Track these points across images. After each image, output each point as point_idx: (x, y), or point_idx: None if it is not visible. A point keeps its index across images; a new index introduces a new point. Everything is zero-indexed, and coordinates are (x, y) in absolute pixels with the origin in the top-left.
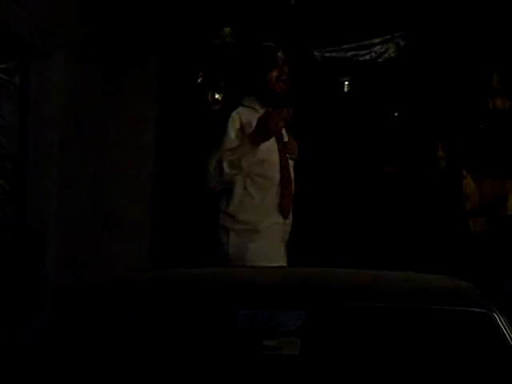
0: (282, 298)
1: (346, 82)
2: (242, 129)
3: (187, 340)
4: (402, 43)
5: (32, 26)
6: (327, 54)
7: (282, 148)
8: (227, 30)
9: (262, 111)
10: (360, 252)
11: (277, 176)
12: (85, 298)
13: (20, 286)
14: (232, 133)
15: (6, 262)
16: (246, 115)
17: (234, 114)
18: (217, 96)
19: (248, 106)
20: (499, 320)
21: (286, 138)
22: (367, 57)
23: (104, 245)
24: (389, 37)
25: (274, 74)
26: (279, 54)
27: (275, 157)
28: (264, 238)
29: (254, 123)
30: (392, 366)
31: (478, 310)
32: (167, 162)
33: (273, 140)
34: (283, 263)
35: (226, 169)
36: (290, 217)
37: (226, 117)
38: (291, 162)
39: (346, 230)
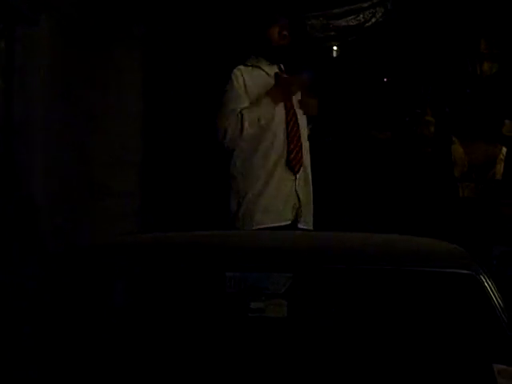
0: (268, 260)
1: (335, 48)
2: (245, 85)
3: (175, 303)
4: (390, 7)
5: None
6: (315, 20)
7: (290, 106)
8: None
9: (268, 69)
10: (348, 216)
11: (281, 131)
12: (78, 262)
13: (8, 256)
14: (239, 89)
15: None
16: (248, 73)
17: (235, 70)
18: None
19: (251, 65)
20: (486, 282)
21: (297, 97)
22: (355, 21)
23: (93, 214)
24: (377, 1)
25: (276, 29)
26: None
27: (280, 112)
28: (270, 195)
29: (259, 81)
30: (378, 328)
31: (465, 271)
32: (155, 130)
33: None
34: (302, 223)
35: (248, 128)
36: (306, 171)
37: (227, 75)
38: (304, 123)
39: (334, 195)
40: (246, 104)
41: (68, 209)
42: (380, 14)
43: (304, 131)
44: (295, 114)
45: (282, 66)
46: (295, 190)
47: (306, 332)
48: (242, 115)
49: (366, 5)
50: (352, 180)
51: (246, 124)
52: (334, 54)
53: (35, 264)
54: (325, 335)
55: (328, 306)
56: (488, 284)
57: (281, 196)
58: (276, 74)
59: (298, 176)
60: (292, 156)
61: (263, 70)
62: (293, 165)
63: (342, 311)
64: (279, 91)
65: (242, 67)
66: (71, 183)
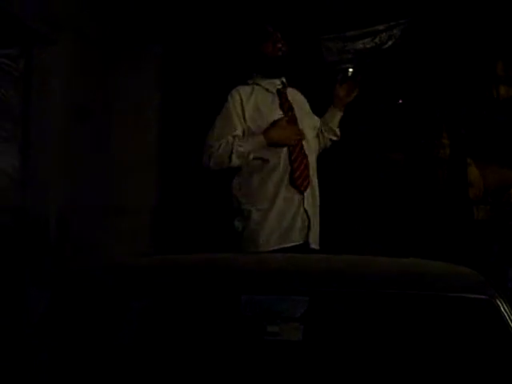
0: (285, 284)
1: (350, 69)
2: (242, 108)
3: (190, 326)
4: (406, 30)
5: (35, 12)
6: (331, 42)
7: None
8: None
9: (268, 85)
10: (361, 239)
11: (282, 149)
12: (88, 283)
13: (23, 273)
14: (233, 115)
15: (9, 249)
16: (247, 92)
17: (233, 92)
18: None
19: (251, 83)
20: (502, 306)
21: (304, 124)
22: (372, 44)
23: (107, 231)
24: (394, 23)
25: (270, 44)
26: (268, 27)
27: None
28: (275, 217)
29: (258, 99)
30: (395, 353)
31: (481, 296)
32: (172, 148)
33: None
34: (306, 240)
35: (235, 159)
36: (314, 189)
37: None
38: (309, 133)
39: (348, 217)
40: (239, 129)
41: (82, 226)
42: (397, 37)
43: (311, 149)
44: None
45: (283, 80)
46: (304, 209)
47: (321, 356)
48: (232, 146)
49: (381, 27)
50: (366, 202)
51: (234, 156)
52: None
53: (48, 282)
54: (341, 360)
55: (344, 330)
56: (504, 308)
57: (287, 216)
58: (278, 90)
59: (305, 195)
60: (296, 175)
61: (263, 87)
62: (298, 184)
63: (357, 335)
64: (276, 134)
65: (240, 88)
66: (86, 201)
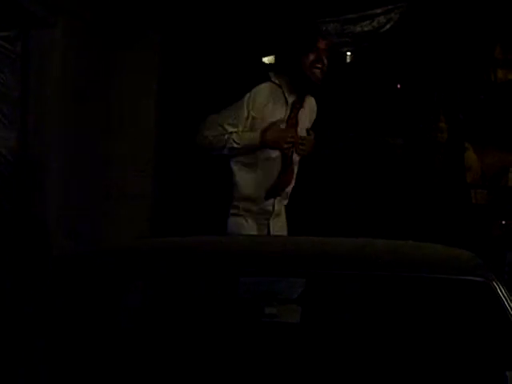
0: (282, 266)
1: (348, 53)
2: (255, 108)
3: (188, 308)
4: (404, 13)
5: None
6: (329, 25)
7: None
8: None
9: (288, 94)
10: (359, 222)
11: (275, 171)
12: (86, 266)
13: (22, 257)
14: (243, 112)
15: (7, 234)
16: (268, 94)
17: (254, 90)
18: None
19: (275, 83)
20: (499, 289)
21: (304, 125)
22: (369, 27)
23: (107, 216)
24: (391, 7)
25: (311, 58)
26: (321, 42)
27: (278, 153)
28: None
29: (273, 103)
30: (391, 334)
31: (479, 279)
32: (169, 133)
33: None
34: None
35: (226, 152)
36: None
37: (244, 88)
38: (297, 157)
39: (347, 202)
40: (240, 128)
41: (83, 211)
42: (395, 20)
43: (295, 164)
44: (292, 157)
45: (304, 98)
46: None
47: (319, 337)
48: (226, 141)
49: (379, 10)
50: (364, 186)
51: (226, 150)
52: (348, 60)
53: (48, 266)
54: (338, 341)
55: (341, 312)
56: (501, 291)
57: (260, 210)
58: (292, 103)
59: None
60: (281, 185)
61: (283, 94)
62: (280, 188)
63: (355, 317)
64: (274, 138)
65: (262, 86)
66: (86, 186)
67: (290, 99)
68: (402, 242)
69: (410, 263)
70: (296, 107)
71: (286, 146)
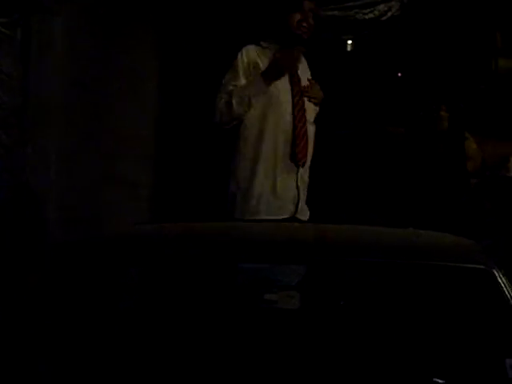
0: (282, 252)
1: (349, 41)
2: (249, 65)
3: (187, 294)
4: (405, 1)
5: None
6: (330, 12)
7: (297, 91)
8: None
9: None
10: (360, 210)
11: (288, 120)
12: (85, 253)
13: (20, 245)
14: (240, 69)
15: (8, 219)
16: (256, 53)
17: (243, 49)
18: None
19: (263, 46)
20: (499, 276)
21: (304, 82)
22: (371, 15)
23: (105, 202)
24: None
25: (297, 17)
26: (306, 3)
27: (287, 98)
28: (265, 185)
29: (265, 64)
30: (391, 322)
31: (479, 266)
32: (170, 119)
33: (286, 81)
34: (301, 215)
35: (235, 105)
36: (306, 168)
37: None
38: (311, 107)
39: (347, 190)
40: (242, 82)
41: (81, 197)
42: (396, 8)
43: (311, 125)
44: (303, 108)
45: None
46: (296, 185)
47: (318, 324)
48: (230, 94)
49: None
50: (365, 174)
51: (235, 102)
52: (349, 48)
53: (46, 253)
54: (337, 327)
55: (340, 299)
56: (501, 278)
57: (280, 189)
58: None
59: (300, 170)
60: (297, 150)
61: (274, 56)
62: (298, 159)
63: (354, 304)
64: (270, 67)
65: (251, 46)
66: (86, 173)
67: None
68: (401, 229)
69: (409, 250)
70: (280, 52)
71: (292, 66)
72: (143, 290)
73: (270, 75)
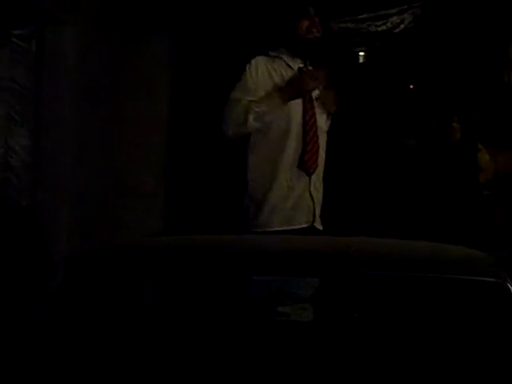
0: (295, 265)
1: (362, 53)
2: (258, 78)
3: (201, 306)
4: (418, 14)
5: None
6: (343, 24)
7: (309, 99)
8: None
9: (291, 62)
10: (373, 222)
11: (298, 127)
12: (97, 265)
13: (34, 255)
14: (249, 83)
15: (20, 231)
16: (265, 63)
17: (252, 61)
18: None
19: (274, 56)
20: None
21: (316, 92)
22: (383, 27)
23: (117, 213)
24: (405, 7)
25: (305, 23)
26: (311, 9)
27: (298, 106)
28: (278, 196)
29: (278, 72)
30: (405, 335)
31: (493, 279)
32: (183, 127)
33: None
34: (318, 225)
35: (251, 121)
36: (319, 174)
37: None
38: (323, 115)
39: (360, 202)
40: (255, 96)
41: (94, 208)
42: (409, 21)
43: (322, 132)
44: (314, 115)
45: (307, 62)
46: (309, 192)
47: (331, 336)
48: (248, 108)
49: (394, 11)
50: (378, 185)
51: (251, 118)
52: (361, 60)
53: (59, 263)
54: (350, 340)
55: (354, 312)
56: None
57: (291, 198)
58: (299, 68)
59: (312, 177)
60: (307, 157)
61: (286, 63)
62: (307, 166)
63: (367, 317)
64: (289, 87)
65: (260, 58)
66: (98, 183)
67: (295, 65)
68: (414, 241)
69: (423, 263)
70: (303, 71)
71: (309, 90)
72: (156, 302)
73: (287, 94)
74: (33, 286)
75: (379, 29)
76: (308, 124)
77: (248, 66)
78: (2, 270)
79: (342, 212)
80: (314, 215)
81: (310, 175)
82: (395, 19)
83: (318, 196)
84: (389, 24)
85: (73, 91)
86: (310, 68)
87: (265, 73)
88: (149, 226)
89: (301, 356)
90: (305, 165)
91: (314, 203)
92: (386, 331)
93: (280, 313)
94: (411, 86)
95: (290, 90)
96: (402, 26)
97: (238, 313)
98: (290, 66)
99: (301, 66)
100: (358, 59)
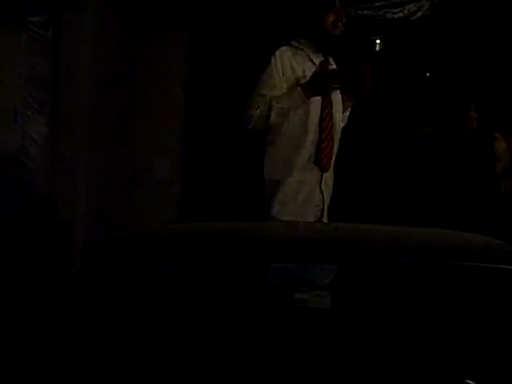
0: (313, 252)
1: (378, 41)
2: (284, 70)
3: (218, 294)
4: (436, 1)
5: None
6: (360, 12)
7: (326, 99)
8: None
9: (313, 55)
10: (389, 210)
11: (314, 127)
12: (115, 252)
13: (51, 242)
14: (276, 75)
15: (37, 218)
16: (290, 54)
17: (276, 53)
18: None
19: (296, 47)
20: None
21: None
22: (400, 14)
23: (134, 200)
24: None
25: (332, 17)
26: (337, 2)
27: (317, 106)
28: (290, 189)
29: (301, 65)
30: (423, 322)
31: (509, 267)
32: (198, 117)
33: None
34: (322, 219)
35: (274, 116)
36: (331, 172)
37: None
38: (339, 113)
39: (376, 191)
40: (279, 91)
41: (110, 195)
42: (426, 8)
43: (338, 129)
44: (330, 112)
45: (328, 57)
46: (320, 189)
47: (349, 324)
48: (270, 104)
49: None
50: (394, 174)
51: (273, 114)
52: (378, 48)
53: (75, 251)
54: (368, 328)
55: (372, 299)
56: None
57: (302, 193)
58: (321, 63)
59: (324, 175)
60: (322, 155)
61: (308, 56)
62: (323, 164)
63: (386, 304)
64: (312, 84)
65: (284, 48)
66: (114, 171)
67: (316, 60)
68: (430, 229)
69: (440, 251)
70: (325, 65)
71: (331, 88)
72: (174, 289)
73: (310, 91)
74: (50, 273)
75: (396, 16)
76: (324, 121)
77: (273, 58)
78: (20, 257)
79: (356, 200)
80: (323, 211)
81: (324, 171)
82: (412, 6)
83: (328, 192)
84: (405, 11)
85: (89, 78)
86: (332, 62)
87: (288, 66)
88: (165, 214)
89: (318, 343)
90: (321, 162)
91: (323, 200)
92: (403, 318)
93: (298, 299)
94: (428, 74)
95: (313, 86)
96: (419, 14)
97: (256, 299)
98: (311, 60)
99: (322, 59)
100: (375, 47)
